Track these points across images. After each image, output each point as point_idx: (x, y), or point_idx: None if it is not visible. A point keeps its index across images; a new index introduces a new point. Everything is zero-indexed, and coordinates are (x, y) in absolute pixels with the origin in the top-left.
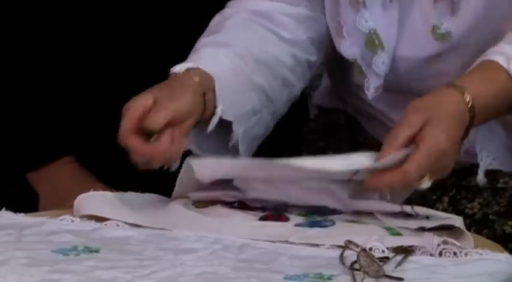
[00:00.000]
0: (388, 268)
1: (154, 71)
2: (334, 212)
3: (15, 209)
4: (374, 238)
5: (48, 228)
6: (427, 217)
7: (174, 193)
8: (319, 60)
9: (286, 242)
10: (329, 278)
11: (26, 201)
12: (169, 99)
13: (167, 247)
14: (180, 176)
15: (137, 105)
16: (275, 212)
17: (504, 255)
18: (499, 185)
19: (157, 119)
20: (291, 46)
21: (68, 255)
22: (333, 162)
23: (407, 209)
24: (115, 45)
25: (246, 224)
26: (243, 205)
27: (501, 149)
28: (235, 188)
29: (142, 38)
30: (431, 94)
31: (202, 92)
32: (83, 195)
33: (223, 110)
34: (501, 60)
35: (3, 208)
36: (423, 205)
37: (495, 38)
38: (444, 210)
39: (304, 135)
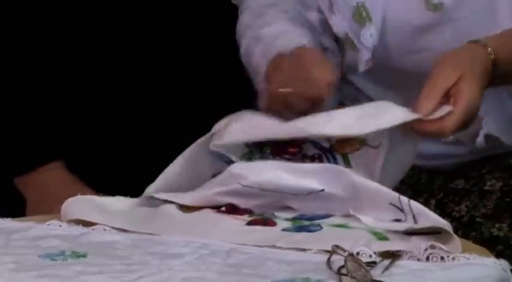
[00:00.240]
0: (376, 273)
1: (142, 77)
2: (322, 216)
3: (2, 214)
4: (361, 243)
5: (35, 233)
6: (415, 222)
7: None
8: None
9: (274, 246)
10: None
11: (13, 206)
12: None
13: (154, 252)
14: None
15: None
16: (262, 216)
17: (491, 260)
18: (486, 188)
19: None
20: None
21: (56, 260)
22: (369, 123)
23: (404, 199)
24: (103, 51)
25: (233, 229)
26: (231, 209)
27: (506, 118)
28: (234, 177)
29: (134, 46)
30: (462, 49)
31: None
32: (70, 199)
33: None
34: None
35: None
36: None
37: (487, 14)
38: None
39: None
